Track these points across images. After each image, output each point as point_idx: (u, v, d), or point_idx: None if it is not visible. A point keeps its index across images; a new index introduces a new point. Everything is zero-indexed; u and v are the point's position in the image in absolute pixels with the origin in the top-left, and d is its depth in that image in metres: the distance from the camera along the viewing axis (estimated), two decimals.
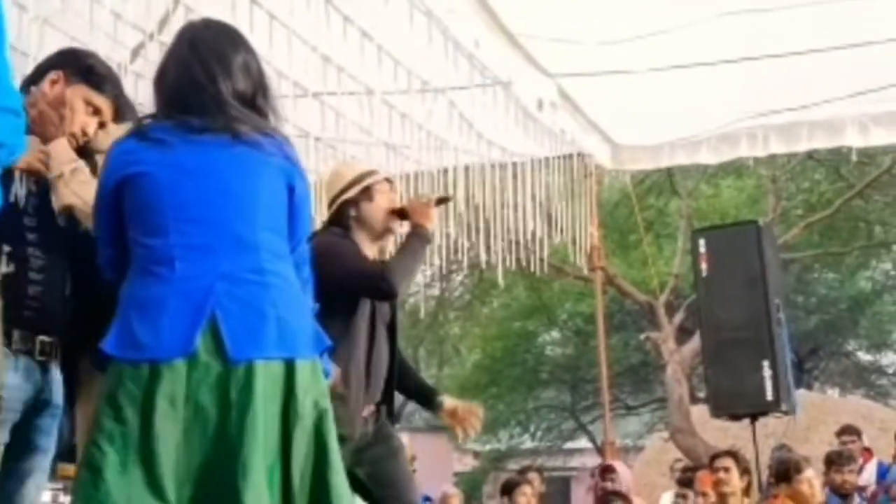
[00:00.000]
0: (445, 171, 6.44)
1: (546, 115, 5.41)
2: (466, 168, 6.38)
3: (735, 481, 5.81)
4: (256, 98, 2.72)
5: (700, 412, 10.42)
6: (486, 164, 6.32)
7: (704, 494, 6.61)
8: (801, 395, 8.84)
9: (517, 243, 6.60)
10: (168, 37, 4.55)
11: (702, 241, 7.08)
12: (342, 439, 2.78)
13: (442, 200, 4.20)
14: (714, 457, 6.11)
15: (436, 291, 18.38)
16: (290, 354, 2.53)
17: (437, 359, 21.92)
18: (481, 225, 6.46)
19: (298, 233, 2.75)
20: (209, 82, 2.65)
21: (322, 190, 6.04)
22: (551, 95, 5.35)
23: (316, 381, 2.59)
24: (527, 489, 7.44)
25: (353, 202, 3.97)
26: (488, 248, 6.49)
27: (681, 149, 6.38)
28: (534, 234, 6.52)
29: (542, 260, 6.73)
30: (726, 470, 5.81)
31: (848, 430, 7.94)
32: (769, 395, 6.62)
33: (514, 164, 6.33)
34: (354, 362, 3.81)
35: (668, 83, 5.46)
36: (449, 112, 5.48)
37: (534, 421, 22.03)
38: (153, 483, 2.38)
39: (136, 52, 4.69)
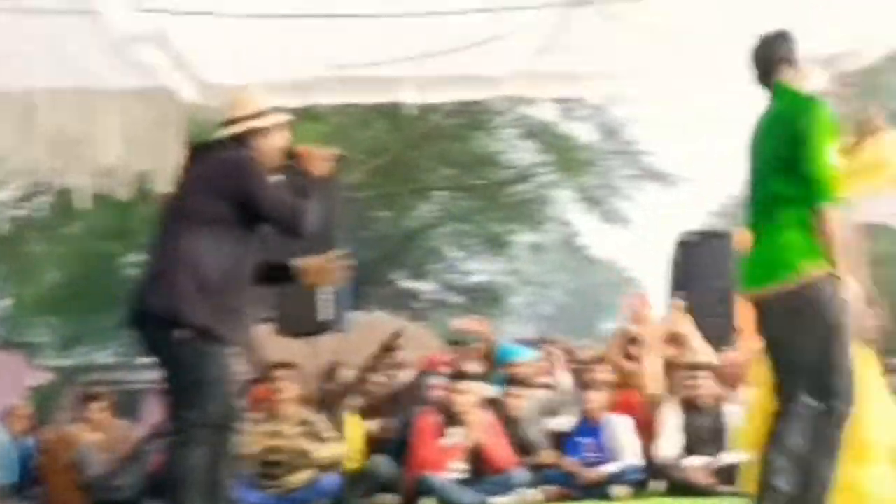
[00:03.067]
0: (32, 92, 5.91)
1: (135, 48, 5.12)
2: (53, 92, 5.89)
3: (290, 390, 5.94)
4: None
5: (266, 331, 10.49)
6: (74, 89, 5.88)
7: (260, 400, 6.65)
8: (355, 316, 9.14)
9: (103, 168, 6.23)
10: None
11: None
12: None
13: (341, 159, 4.07)
14: (270, 368, 6.17)
15: (20, 212, 16.96)
16: None
17: (18, 276, 20.29)
18: (67, 149, 6.02)
19: None
20: None
21: None
22: (142, 29, 5.07)
23: None
24: (94, 403, 7.15)
25: (259, 133, 3.87)
26: (73, 171, 6.06)
27: (262, 91, 6.31)
28: (119, 160, 6.19)
29: (125, 186, 6.42)
30: (282, 379, 5.92)
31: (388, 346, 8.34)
32: (328, 316, 6.82)
33: (103, 93, 5.94)
34: (242, 277, 3.73)
35: (253, 29, 5.38)
36: (32, 34, 5.01)
37: (110, 337, 21.16)
38: None
39: None
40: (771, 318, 3.56)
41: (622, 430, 6.33)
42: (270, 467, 5.81)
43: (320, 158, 3.95)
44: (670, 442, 6.35)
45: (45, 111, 5.85)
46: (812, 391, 3.40)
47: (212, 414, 3.63)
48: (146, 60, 5.35)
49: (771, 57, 3.78)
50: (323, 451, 5.76)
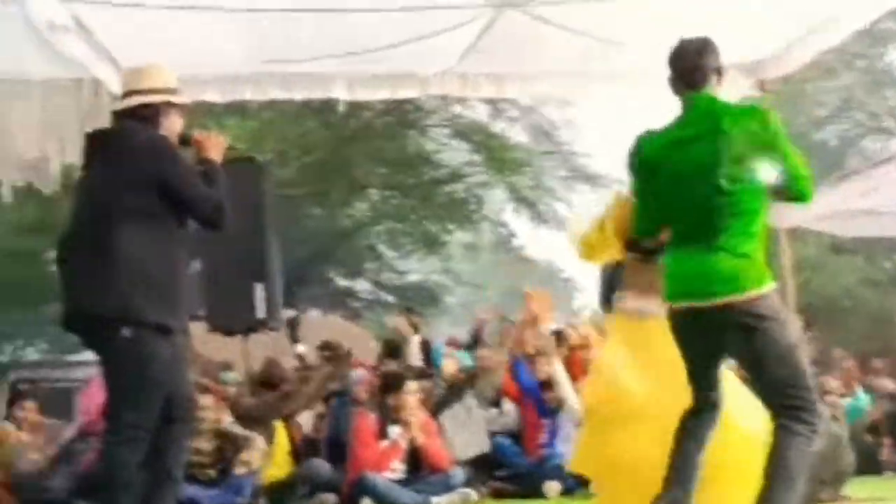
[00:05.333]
0: None
1: (58, 38, 4.98)
2: None
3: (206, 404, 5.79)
4: None
5: (197, 327, 10.36)
6: None
7: None
8: (288, 315, 9.09)
9: (26, 161, 6.06)
10: None
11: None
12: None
13: (231, 149, 4.08)
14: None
15: None
16: None
17: None
18: None
19: None
20: None
21: None
22: (64, 19, 4.93)
23: None
24: (24, 401, 6.99)
25: (165, 109, 3.72)
26: None
27: (189, 86, 6.19)
28: (43, 152, 6.02)
29: (49, 179, 6.25)
30: (203, 408, 5.75)
31: (327, 346, 8.31)
32: (261, 314, 6.75)
33: (25, 83, 5.77)
34: (180, 270, 3.72)
35: (180, 22, 5.28)
36: None
37: (39, 334, 20.67)
38: None
39: None
40: None
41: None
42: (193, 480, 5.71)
43: (217, 145, 3.87)
44: None
45: None
46: None
47: (151, 415, 3.58)
48: (69, 50, 5.21)
49: (702, 66, 3.64)
50: (241, 467, 5.61)
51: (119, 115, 3.87)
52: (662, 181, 3.56)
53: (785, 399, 3.31)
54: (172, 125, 3.78)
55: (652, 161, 3.61)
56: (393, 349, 7.18)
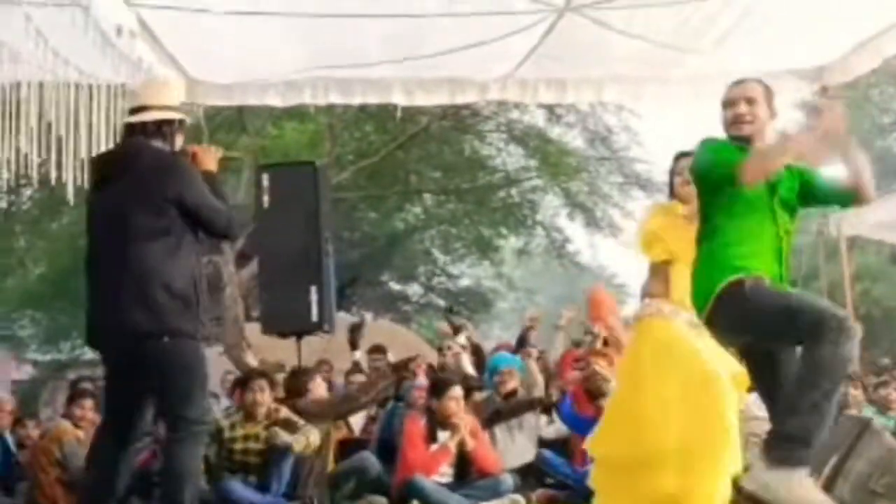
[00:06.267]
0: (18, 85, 5.87)
1: (124, 43, 5.08)
2: (41, 85, 5.85)
3: (266, 397, 5.87)
4: None
5: (253, 329, 10.47)
6: (60, 83, 5.83)
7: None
8: (340, 317, 9.14)
9: (90, 163, 6.18)
10: None
11: (265, 176, 7.07)
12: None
13: (227, 159, 4.13)
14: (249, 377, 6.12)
15: (2, 204, 16.84)
16: None
17: (1, 269, 20.15)
18: (53, 142, 5.97)
19: None
20: None
21: None
22: (130, 24, 5.03)
23: None
24: (83, 399, 7.08)
25: (178, 127, 3.86)
26: (59, 165, 6.02)
27: (251, 90, 6.29)
28: None
29: None
30: (261, 389, 5.85)
31: (377, 349, 8.36)
32: (314, 317, 6.80)
33: (90, 87, 5.90)
34: (200, 278, 3.85)
35: (243, 27, 5.36)
36: (25, 26, 4.98)
37: None
38: None
39: None
40: None
41: None
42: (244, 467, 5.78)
43: (212, 156, 3.96)
44: None
45: (32, 104, 5.81)
46: None
47: (205, 409, 3.81)
48: (135, 55, 5.32)
49: None
50: (296, 445, 5.68)
51: (133, 129, 3.92)
52: None
53: None
54: (179, 141, 3.91)
55: None
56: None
